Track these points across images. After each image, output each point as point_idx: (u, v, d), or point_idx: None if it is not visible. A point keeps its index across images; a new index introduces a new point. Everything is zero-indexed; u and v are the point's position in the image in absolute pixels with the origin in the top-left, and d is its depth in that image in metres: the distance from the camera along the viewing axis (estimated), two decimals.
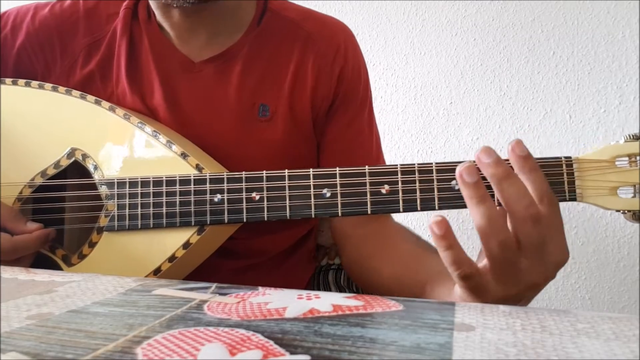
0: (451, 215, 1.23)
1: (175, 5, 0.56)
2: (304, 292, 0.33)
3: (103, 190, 0.54)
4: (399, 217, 1.25)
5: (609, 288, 1.13)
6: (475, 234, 0.40)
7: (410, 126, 1.26)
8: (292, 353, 0.22)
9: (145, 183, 0.52)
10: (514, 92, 1.18)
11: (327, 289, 0.70)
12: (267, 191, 0.50)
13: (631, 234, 1.11)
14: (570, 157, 0.44)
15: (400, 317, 0.27)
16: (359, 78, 0.65)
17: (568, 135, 1.14)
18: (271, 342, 0.23)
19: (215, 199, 0.50)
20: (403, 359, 0.21)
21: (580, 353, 0.22)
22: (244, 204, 0.50)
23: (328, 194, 0.48)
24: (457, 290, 0.40)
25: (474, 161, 0.39)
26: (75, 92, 0.57)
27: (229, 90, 0.60)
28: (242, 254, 0.62)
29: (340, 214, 0.48)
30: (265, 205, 0.50)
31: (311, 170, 0.49)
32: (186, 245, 0.51)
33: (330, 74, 0.62)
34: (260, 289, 0.34)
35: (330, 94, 0.62)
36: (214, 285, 0.35)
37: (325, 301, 0.30)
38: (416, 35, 1.25)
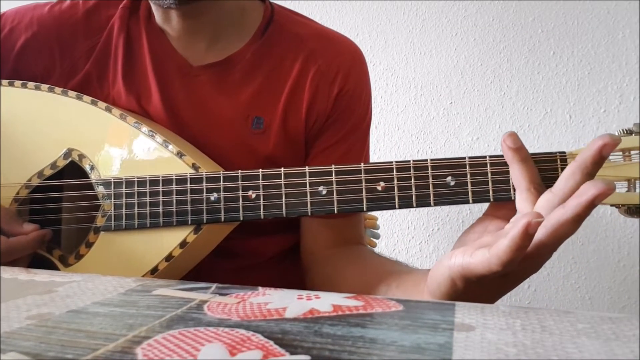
0: (451, 215, 1.24)
1: (164, 6, 0.56)
2: (304, 292, 0.33)
3: (100, 190, 0.54)
4: (399, 215, 1.25)
5: (609, 288, 1.13)
6: None
7: (410, 126, 1.26)
8: (292, 353, 0.22)
9: (141, 182, 0.52)
10: (514, 92, 1.18)
11: None
12: (263, 189, 0.50)
13: (631, 234, 1.11)
14: (564, 152, 0.44)
15: (400, 317, 0.27)
16: (358, 101, 0.63)
17: (568, 135, 1.14)
18: (271, 343, 0.23)
19: (212, 198, 0.51)
20: (403, 359, 0.21)
21: (580, 353, 0.22)
22: (240, 202, 0.50)
23: (324, 192, 0.48)
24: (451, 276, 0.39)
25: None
26: (72, 93, 0.57)
27: (224, 99, 0.60)
28: (241, 254, 0.62)
29: (336, 211, 0.48)
30: (261, 204, 0.50)
31: (307, 168, 0.49)
32: (183, 244, 0.51)
33: (328, 93, 0.61)
34: (260, 289, 0.34)
35: (325, 112, 0.61)
36: (214, 286, 0.35)
37: (325, 301, 0.30)
38: (416, 35, 1.25)
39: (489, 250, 0.35)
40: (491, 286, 0.39)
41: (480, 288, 0.38)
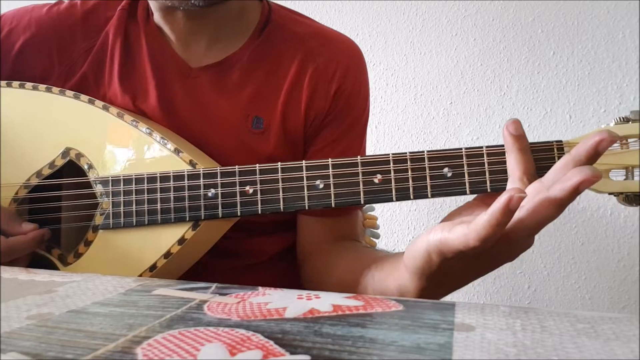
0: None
1: (181, 8, 0.55)
2: (304, 292, 0.33)
3: (98, 188, 0.54)
4: (399, 214, 1.25)
5: (609, 288, 1.13)
6: None
7: (410, 126, 1.26)
8: (292, 353, 0.22)
9: (139, 180, 0.52)
10: (514, 92, 1.18)
11: None
12: (260, 184, 0.50)
13: (631, 233, 1.11)
14: (561, 141, 0.44)
15: (400, 317, 0.27)
16: (356, 99, 0.64)
17: (568, 135, 1.14)
18: (271, 342, 0.23)
19: (209, 194, 0.51)
20: (403, 359, 0.21)
21: (580, 353, 0.22)
22: (238, 197, 0.50)
23: (321, 185, 0.48)
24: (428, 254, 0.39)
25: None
26: (69, 93, 0.57)
27: (223, 99, 0.60)
28: (240, 254, 0.62)
29: (333, 205, 0.48)
30: (259, 199, 0.50)
31: (304, 162, 0.49)
32: (181, 241, 0.51)
33: (326, 92, 0.61)
34: (260, 289, 0.34)
35: (323, 111, 0.61)
36: (214, 285, 0.35)
37: (325, 301, 0.30)
38: (416, 35, 1.25)
39: (468, 225, 0.35)
40: (466, 266, 0.39)
41: (454, 266, 0.38)
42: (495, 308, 0.29)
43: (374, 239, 0.87)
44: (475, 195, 0.47)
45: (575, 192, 0.32)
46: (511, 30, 1.18)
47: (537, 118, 1.15)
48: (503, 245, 0.36)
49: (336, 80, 0.61)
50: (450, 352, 0.22)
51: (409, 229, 1.26)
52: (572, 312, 0.27)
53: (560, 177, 0.35)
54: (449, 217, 0.45)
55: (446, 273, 0.39)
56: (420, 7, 1.25)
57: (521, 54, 1.18)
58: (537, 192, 0.36)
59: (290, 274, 0.66)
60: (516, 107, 1.17)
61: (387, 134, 1.27)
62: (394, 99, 1.27)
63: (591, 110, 1.13)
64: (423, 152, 0.46)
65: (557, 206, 0.33)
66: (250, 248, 0.63)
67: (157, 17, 0.60)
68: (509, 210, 0.32)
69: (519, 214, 0.34)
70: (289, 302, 0.30)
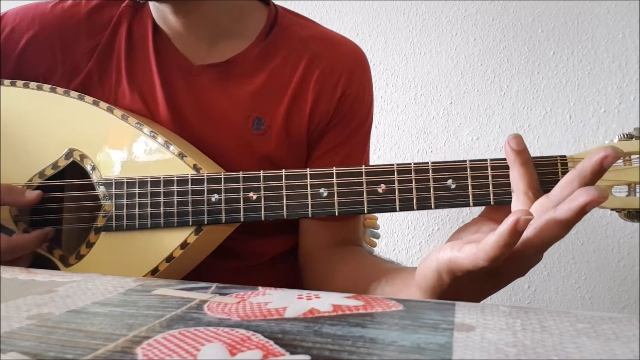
0: (451, 215, 1.24)
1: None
2: (304, 292, 0.33)
3: (101, 190, 0.54)
4: (399, 215, 1.25)
5: (609, 288, 1.13)
6: None
7: (410, 126, 1.26)
8: (292, 353, 0.22)
9: (143, 183, 0.52)
10: (514, 92, 1.18)
11: None
12: (264, 191, 0.50)
13: (631, 233, 1.11)
14: (564, 156, 0.44)
15: (400, 317, 0.27)
16: (360, 104, 0.64)
17: (568, 135, 1.14)
18: (271, 342, 0.23)
19: (213, 199, 0.51)
20: (403, 359, 0.21)
21: (580, 353, 0.22)
22: (242, 203, 0.50)
23: (325, 194, 0.49)
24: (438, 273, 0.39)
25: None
26: (74, 93, 0.57)
27: (225, 98, 0.60)
28: (242, 255, 0.62)
29: (337, 213, 0.48)
30: (262, 205, 0.50)
31: (308, 170, 0.49)
32: (184, 245, 0.51)
33: (331, 96, 0.61)
34: (260, 288, 0.34)
35: (327, 115, 0.62)
36: (214, 285, 0.35)
37: (325, 301, 0.30)
38: (416, 35, 1.25)
39: (477, 245, 0.35)
40: (476, 284, 0.39)
41: (465, 284, 0.38)
42: (495, 308, 0.29)
43: (374, 239, 0.87)
44: (479, 209, 0.47)
45: (582, 212, 0.32)
46: (511, 30, 1.18)
47: (537, 118, 1.15)
48: (512, 263, 0.36)
49: (341, 84, 0.62)
50: (450, 352, 0.22)
51: (409, 229, 1.26)
52: (572, 312, 0.27)
53: (566, 193, 0.35)
54: (457, 235, 0.45)
55: (458, 292, 0.39)
56: (420, 7, 1.25)
57: (521, 54, 1.18)
58: (544, 210, 0.36)
59: (291, 275, 0.66)
60: (516, 107, 1.17)
61: (387, 134, 1.27)
62: (394, 99, 1.27)
63: (591, 110, 1.13)
64: (427, 163, 0.46)
65: (563, 226, 0.34)
66: (252, 249, 0.63)
67: (155, 15, 0.60)
68: (517, 231, 0.32)
69: (526, 234, 0.35)
70: (289, 302, 0.30)
